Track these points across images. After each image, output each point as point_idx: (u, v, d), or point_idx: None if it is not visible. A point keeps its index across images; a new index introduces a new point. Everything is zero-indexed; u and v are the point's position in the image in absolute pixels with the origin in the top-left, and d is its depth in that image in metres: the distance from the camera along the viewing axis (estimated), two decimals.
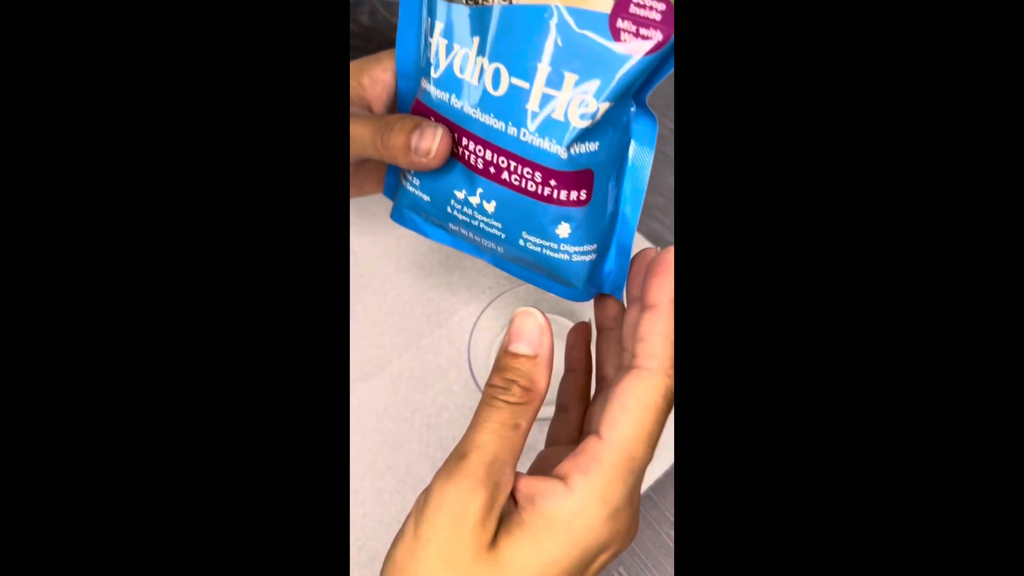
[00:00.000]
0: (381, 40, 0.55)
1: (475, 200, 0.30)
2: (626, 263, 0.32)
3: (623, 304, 0.31)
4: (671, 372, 0.24)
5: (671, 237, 0.52)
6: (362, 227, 0.52)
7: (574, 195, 0.29)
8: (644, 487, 0.42)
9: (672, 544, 0.42)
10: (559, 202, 0.29)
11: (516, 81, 0.28)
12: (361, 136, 0.31)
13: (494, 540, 0.24)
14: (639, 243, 0.50)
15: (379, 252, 0.50)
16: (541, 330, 0.26)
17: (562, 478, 0.24)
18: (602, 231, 0.31)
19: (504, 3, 0.27)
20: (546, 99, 0.28)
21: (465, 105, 0.29)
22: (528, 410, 0.25)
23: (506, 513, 0.24)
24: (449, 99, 0.30)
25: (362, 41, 0.56)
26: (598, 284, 0.33)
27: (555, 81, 0.27)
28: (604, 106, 0.27)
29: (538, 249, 0.31)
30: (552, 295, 0.42)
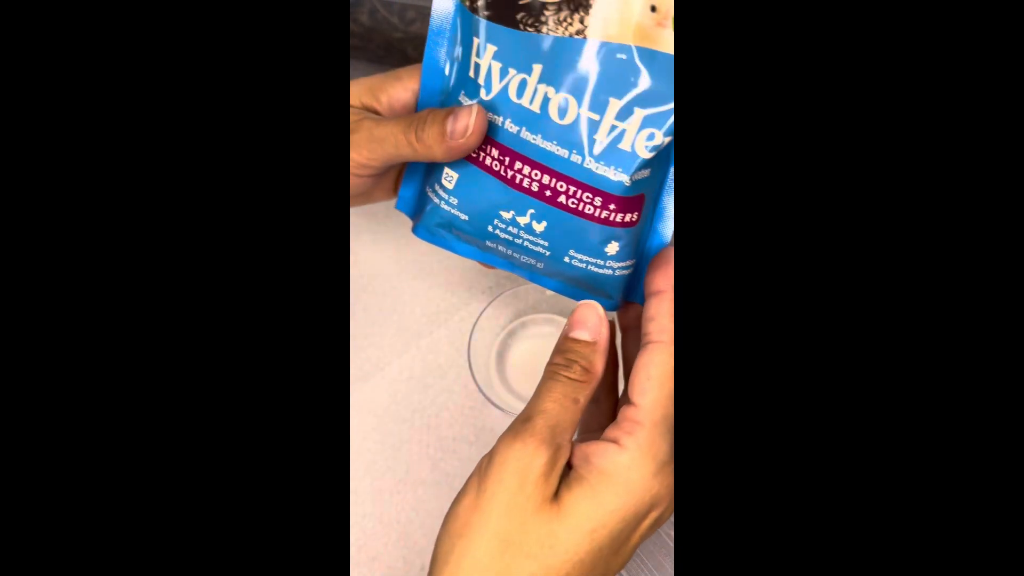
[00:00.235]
0: (381, 40, 0.55)
1: (523, 220, 0.32)
2: None
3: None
4: None
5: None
6: (362, 227, 0.52)
7: (628, 217, 0.32)
8: None
9: (672, 544, 0.41)
10: (614, 224, 0.31)
11: (586, 112, 0.29)
12: (392, 134, 0.31)
13: (556, 495, 0.26)
14: None
15: (379, 252, 0.50)
16: (601, 320, 0.30)
17: (613, 441, 0.27)
18: (640, 246, 0.34)
19: (578, 36, 0.29)
20: (613, 130, 0.29)
21: (523, 130, 0.30)
22: (586, 388, 0.28)
23: (563, 476, 0.27)
24: (503, 123, 0.31)
25: (362, 41, 0.56)
26: (628, 293, 0.35)
27: (624, 115, 0.29)
28: (668, 139, 0.30)
29: (583, 265, 0.33)
30: (550, 296, 0.43)
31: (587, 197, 0.31)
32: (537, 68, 0.30)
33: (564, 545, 0.25)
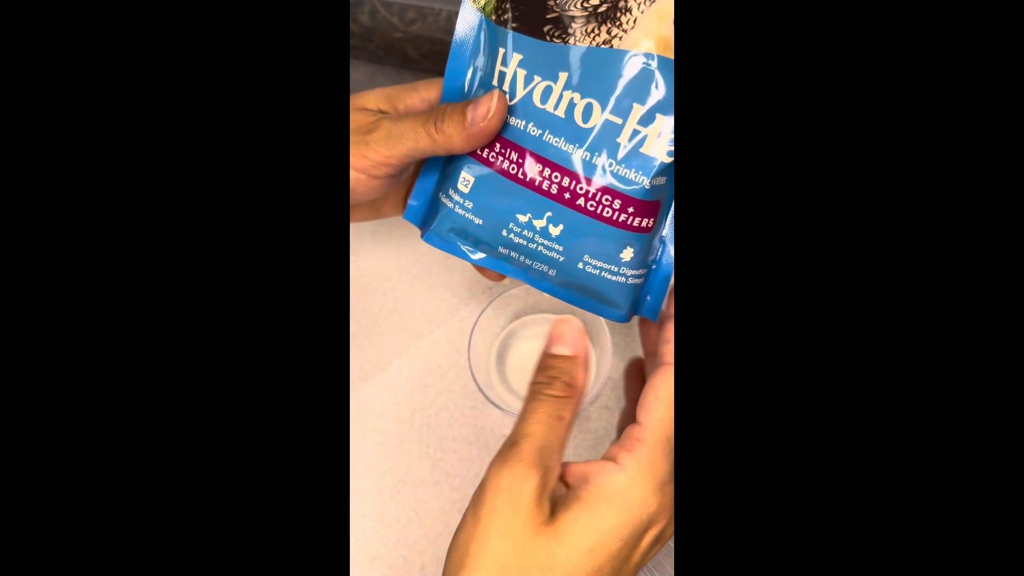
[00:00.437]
0: (381, 40, 0.55)
1: (540, 223, 0.32)
2: (663, 286, 0.35)
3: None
4: None
5: None
6: (362, 228, 0.52)
7: (646, 222, 0.32)
8: None
9: (672, 544, 0.42)
10: (632, 228, 0.32)
11: (609, 117, 0.31)
12: (411, 129, 0.32)
13: (552, 516, 0.26)
14: None
15: (379, 252, 0.50)
16: (579, 332, 0.29)
17: (611, 459, 0.27)
18: (651, 254, 0.34)
19: (604, 46, 0.30)
20: (635, 134, 0.31)
21: (545, 133, 0.31)
22: (571, 403, 0.28)
23: (559, 495, 0.27)
24: (526, 127, 0.32)
25: (362, 41, 0.56)
26: (637, 307, 0.35)
27: (647, 120, 0.30)
28: None
29: (596, 272, 0.33)
30: (549, 300, 0.43)
31: (606, 200, 0.31)
32: (563, 76, 0.31)
33: (563, 566, 0.25)
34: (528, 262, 0.34)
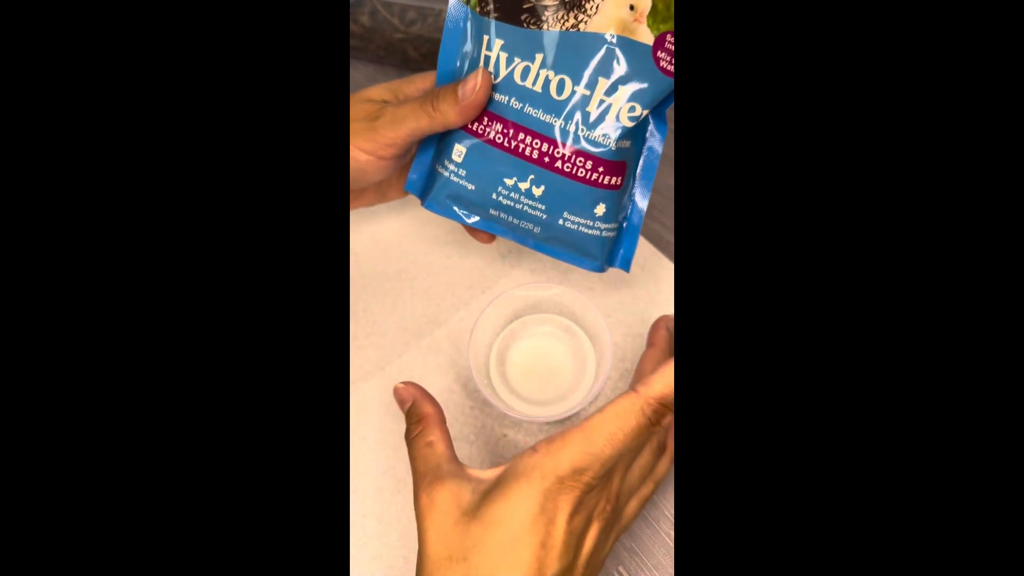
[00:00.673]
0: (381, 40, 0.55)
1: (524, 185, 0.37)
2: (633, 241, 0.41)
3: (667, 329, 0.41)
4: (649, 396, 0.30)
5: (671, 237, 0.52)
6: (362, 228, 0.52)
7: (614, 180, 0.38)
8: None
9: (672, 543, 0.42)
10: (602, 186, 0.38)
11: (579, 89, 0.36)
12: (412, 111, 0.37)
13: (472, 508, 0.30)
14: (640, 244, 0.51)
15: (379, 252, 0.51)
16: (406, 392, 0.36)
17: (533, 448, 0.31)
18: (621, 212, 0.40)
19: (573, 30, 0.35)
20: (601, 104, 0.36)
21: (526, 106, 0.36)
22: (427, 431, 0.34)
23: (484, 490, 0.31)
24: (508, 101, 0.37)
25: (362, 42, 0.56)
26: (611, 258, 0.41)
27: (611, 91, 0.36)
28: (645, 112, 0.37)
29: (575, 227, 0.39)
30: (551, 296, 0.43)
31: (580, 161, 0.37)
32: (539, 56, 0.36)
33: (482, 543, 0.29)
34: (516, 222, 0.39)
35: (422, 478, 0.32)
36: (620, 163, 0.38)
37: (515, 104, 0.37)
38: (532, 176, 0.37)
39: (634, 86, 0.36)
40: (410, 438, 0.34)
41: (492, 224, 0.40)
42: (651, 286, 0.49)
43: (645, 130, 0.39)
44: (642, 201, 0.40)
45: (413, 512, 0.42)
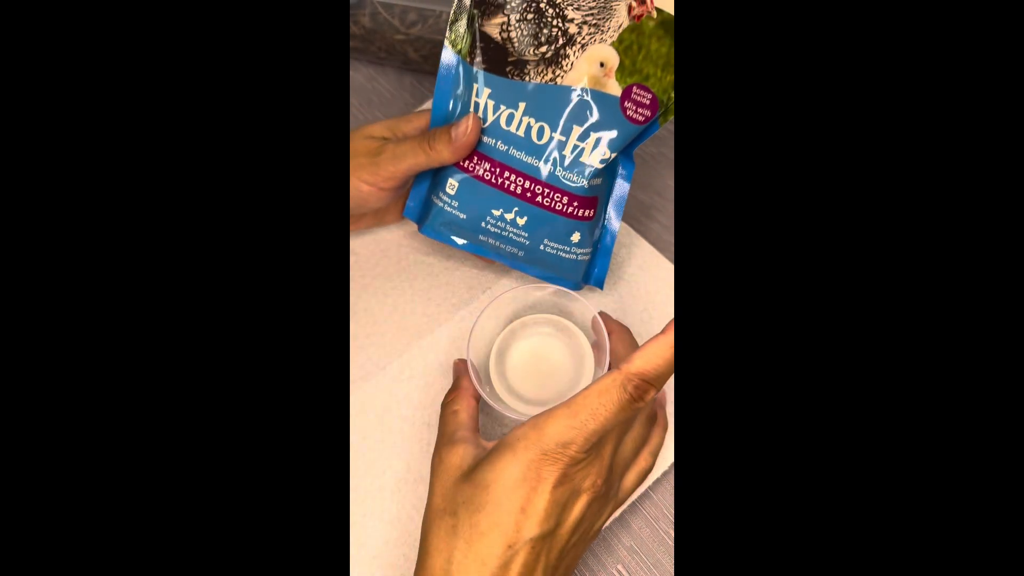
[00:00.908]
0: (382, 42, 0.55)
1: (509, 216, 0.43)
2: (605, 262, 0.46)
3: (619, 325, 0.43)
4: (630, 372, 0.31)
5: (670, 237, 0.52)
6: (363, 229, 0.52)
7: (587, 212, 0.43)
8: (644, 486, 0.42)
9: (672, 542, 0.42)
10: (577, 217, 0.43)
11: (556, 135, 0.42)
12: (410, 149, 0.41)
13: (470, 471, 0.33)
14: (639, 244, 0.51)
15: (380, 253, 0.51)
16: (459, 384, 0.40)
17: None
18: (595, 238, 0.45)
19: (551, 83, 0.41)
20: (576, 148, 0.42)
21: (510, 148, 0.42)
22: (456, 399, 0.39)
23: (482, 456, 0.34)
24: (495, 143, 0.42)
25: (363, 43, 0.56)
26: (586, 277, 0.46)
27: (584, 136, 0.42)
28: (613, 155, 0.42)
29: (554, 252, 0.44)
30: (549, 294, 0.43)
31: (557, 197, 0.42)
32: (522, 105, 0.42)
33: (474, 500, 0.32)
34: (502, 246, 0.44)
35: (440, 439, 0.37)
36: (592, 198, 0.43)
37: (501, 146, 0.42)
38: (516, 208, 0.42)
39: (604, 133, 0.42)
40: (443, 403, 0.39)
41: (481, 248, 0.45)
42: (651, 286, 0.49)
43: (616, 168, 0.44)
44: (614, 225, 0.45)
45: (413, 512, 0.42)
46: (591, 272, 0.46)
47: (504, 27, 0.41)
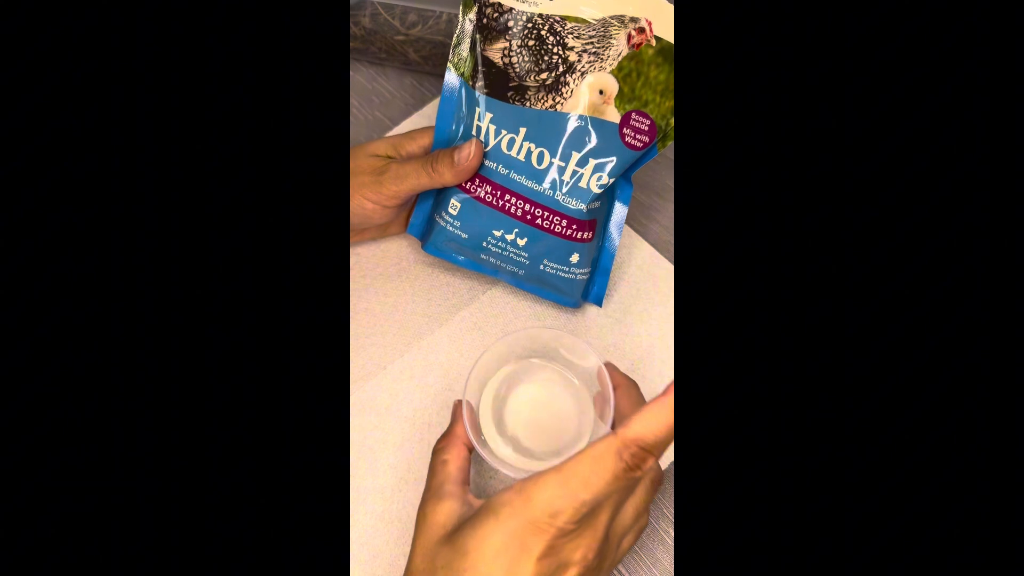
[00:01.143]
0: (382, 43, 0.56)
1: (510, 237, 0.44)
2: (604, 280, 0.47)
3: (614, 368, 0.40)
4: (627, 439, 0.28)
5: (670, 237, 0.52)
6: (367, 239, 0.52)
7: (585, 235, 0.44)
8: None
9: (672, 542, 0.42)
10: (576, 240, 0.44)
11: (555, 161, 0.42)
12: (413, 170, 0.42)
13: (454, 531, 0.31)
14: (639, 244, 0.51)
15: (381, 254, 0.51)
16: (452, 436, 0.38)
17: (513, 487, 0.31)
18: (593, 258, 0.46)
19: (551, 109, 0.42)
20: (575, 174, 0.43)
21: (511, 172, 0.43)
22: (449, 447, 0.37)
23: (468, 515, 0.32)
24: (496, 167, 0.43)
25: (363, 44, 0.56)
26: (585, 295, 0.47)
27: (583, 163, 0.42)
28: (612, 180, 0.43)
29: (553, 271, 0.45)
30: (549, 345, 0.42)
31: (556, 220, 0.43)
32: (523, 130, 0.42)
33: (452, 565, 0.30)
34: (503, 265, 0.45)
35: (427, 491, 0.35)
36: (591, 220, 0.44)
37: (502, 170, 0.43)
38: (516, 230, 0.43)
39: (602, 159, 0.42)
40: (434, 448, 0.37)
41: (482, 266, 0.46)
42: (650, 286, 0.49)
43: (615, 190, 0.45)
44: (613, 244, 0.46)
45: (413, 511, 0.43)
46: (590, 290, 0.47)
47: (506, 52, 0.42)
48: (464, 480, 0.35)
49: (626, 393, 0.38)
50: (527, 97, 0.42)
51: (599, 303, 0.47)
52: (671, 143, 0.45)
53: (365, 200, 0.43)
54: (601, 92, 0.42)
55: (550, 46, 0.41)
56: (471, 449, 0.37)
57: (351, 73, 0.60)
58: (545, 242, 0.43)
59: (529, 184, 0.43)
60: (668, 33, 0.41)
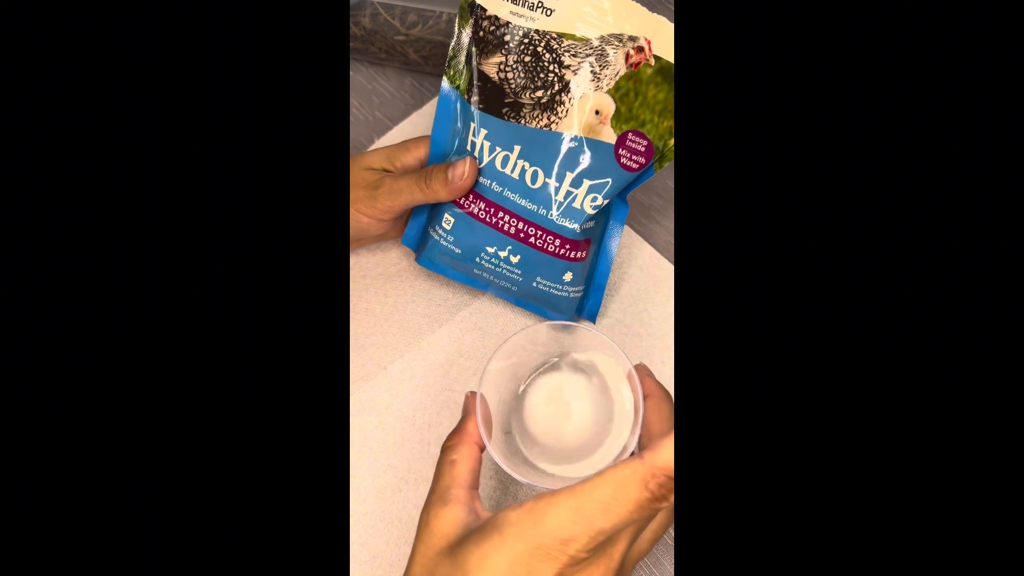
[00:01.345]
0: (382, 43, 0.56)
1: (503, 254, 0.43)
2: (598, 297, 0.47)
3: (648, 373, 0.37)
4: (655, 467, 0.26)
5: (670, 237, 0.52)
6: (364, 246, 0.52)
7: (579, 255, 0.44)
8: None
9: (672, 543, 0.42)
10: (569, 259, 0.43)
11: (549, 180, 0.42)
12: (407, 185, 0.42)
13: (457, 544, 0.29)
14: (640, 246, 0.51)
15: (381, 254, 0.51)
16: (462, 434, 0.34)
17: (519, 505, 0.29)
18: (587, 276, 0.46)
19: (546, 128, 0.41)
20: (568, 194, 0.42)
21: (505, 190, 0.42)
22: (456, 446, 0.33)
23: (475, 526, 0.29)
24: (490, 184, 0.42)
25: (363, 44, 0.56)
26: (579, 311, 0.47)
27: (577, 183, 0.42)
28: (606, 202, 0.42)
29: (546, 289, 0.44)
30: (576, 340, 0.40)
31: (550, 239, 0.43)
32: (517, 148, 0.42)
33: None
34: (496, 280, 0.45)
35: (432, 494, 0.32)
36: (585, 240, 0.44)
37: (496, 187, 0.42)
38: (510, 247, 0.43)
39: (597, 180, 0.42)
40: (443, 446, 0.34)
41: (476, 280, 0.46)
42: (650, 286, 0.49)
43: (610, 209, 0.45)
44: (608, 263, 0.46)
45: (413, 511, 0.43)
46: (584, 306, 0.47)
47: (502, 67, 0.41)
48: (473, 484, 0.33)
49: (656, 406, 0.35)
50: (522, 115, 0.41)
51: (593, 319, 0.47)
52: (668, 163, 0.44)
53: (360, 215, 0.43)
54: (597, 112, 0.41)
55: (546, 63, 0.40)
56: (483, 448, 0.34)
57: (351, 73, 0.60)
58: (538, 260, 0.43)
59: (523, 203, 0.42)
60: (668, 52, 0.40)
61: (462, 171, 0.41)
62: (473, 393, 0.35)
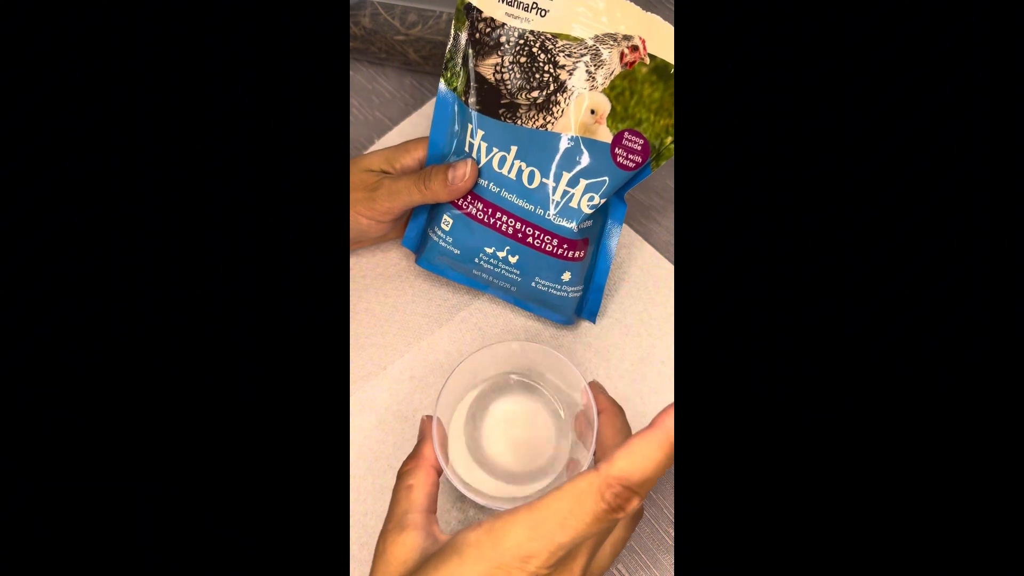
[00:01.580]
0: (382, 43, 0.56)
1: (501, 254, 0.44)
2: (598, 297, 0.47)
3: (602, 391, 0.37)
4: (610, 477, 0.26)
5: (670, 237, 0.52)
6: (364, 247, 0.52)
7: (577, 254, 0.44)
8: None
9: (672, 543, 0.42)
10: (567, 259, 0.44)
11: (546, 180, 0.42)
12: (406, 186, 0.42)
13: (416, 570, 0.28)
14: (640, 245, 0.51)
15: (381, 254, 0.51)
16: (419, 459, 0.34)
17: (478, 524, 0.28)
18: (586, 276, 0.46)
19: (542, 129, 0.41)
20: (565, 194, 0.42)
21: (502, 191, 0.43)
22: (414, 471, 0.33)
23: (434, 550, 0.29)
24: (488, 185, 0.43)
25: (363, 43, 0.56)
26: (579, 311, 0.47)
27: (573, 183, 0.42)
28: (603, 201, 0.43)
29: (545, 289, 0.44)
30: (529, 359, 0.41)
31: (547, 239, 0.43)
32: (514, 148, 0.42)
33: None
34: (495, 281, 0.45)
35: (388, 520, 0.32)
36: (583, 240, 0.44)
37: (493, 188, 0.43)
38: (508, 247, 0.43)
39: (593, 179, 0.42)
40: (399, 471, 0.34)
41: (475, 281, 0.46)
42: (650, 286, 0.49)
43: (607, 209, 0.45)
44: (606, 262, 0.46)
45: None
46: (583, 306, 0.47)
47: (498, 69, 0.41)
48: (430, 508, 0.32)
49: (610, 420, 0.35)
50: (519, 115, 0.42)
51: (592, 319, 0.47)
52: (666, 161, 0.44)
53: (360, 216, 0.44)
54: (593, 112, 0.41)
55: (541, 64, 0.41)
56: (440, 472, 0.34)
57: (351, 73, 0.60)
58: (536, 260, 0.43)
59: (520, 203, 0.42)
60: (663, 51, 0.40)
61: (463, 172, 0.41)
62: (429, 417, 0.35)
